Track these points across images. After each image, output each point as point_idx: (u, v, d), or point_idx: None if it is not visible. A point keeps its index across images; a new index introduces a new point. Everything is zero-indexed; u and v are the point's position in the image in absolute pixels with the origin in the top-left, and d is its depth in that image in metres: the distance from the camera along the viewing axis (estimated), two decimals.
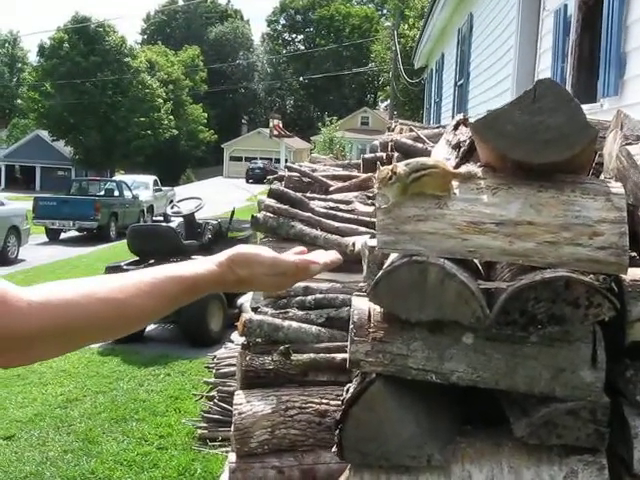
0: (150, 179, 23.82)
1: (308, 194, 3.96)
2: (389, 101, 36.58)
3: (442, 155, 1.88)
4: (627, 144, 1.69)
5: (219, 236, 8.57)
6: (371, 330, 1.48)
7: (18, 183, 44.55)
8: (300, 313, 2.94)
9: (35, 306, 0.84)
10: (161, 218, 10.07)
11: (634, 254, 1.52)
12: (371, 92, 68.44)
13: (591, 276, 1.37)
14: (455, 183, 1.48)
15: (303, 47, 70.17)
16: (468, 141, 1.76)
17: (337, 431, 1.51)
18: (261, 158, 49.57)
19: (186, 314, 6.74)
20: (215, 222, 8.87)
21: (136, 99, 42.45)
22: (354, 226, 3.53)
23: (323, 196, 4.00)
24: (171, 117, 45.99)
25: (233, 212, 9.16)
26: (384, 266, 1.51)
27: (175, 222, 8.86)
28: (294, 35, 73.47)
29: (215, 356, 5.27)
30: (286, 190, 3.82)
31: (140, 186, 22.10)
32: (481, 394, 1.51)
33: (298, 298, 3.04)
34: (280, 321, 2.85)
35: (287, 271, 1.04)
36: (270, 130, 34.54)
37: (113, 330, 0.97)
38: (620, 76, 4.52)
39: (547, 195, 1.44)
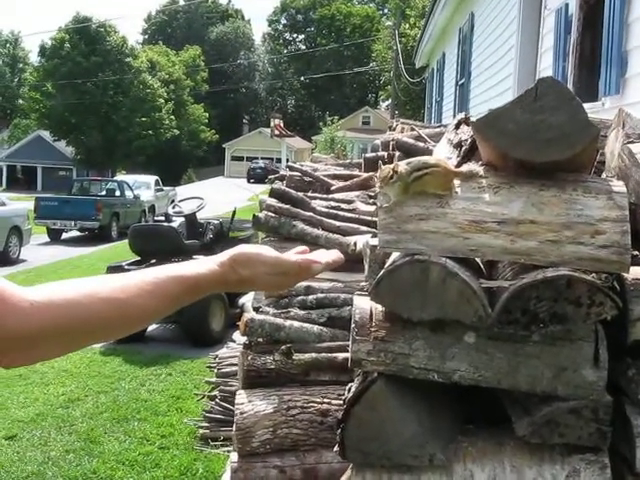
0: (151, 179, 23.82)
1: (309, 193, 3.97)
2: (390, 100, 36.56)
3: (444, 154, 1.88)
4: (629, 142, 1.68)
5: (220, 236, 8.58)
6: (373, 329, 1.48)
7: (20, 183, 44.58)
8: (302, 313, 2.94)
9: (37, 306, 0.84)
10: (162, 218, 10.05)
11: (636, 253, 1.52)
12: (372, 91, 68.45)
13: (593, 275, 1.37)
14: (457, 182, 1.48)
15: (304, 47, 70.16)
16: (469, 140, 1.76)
17: (339, 430, 1.51)
18: (262, 158, 49.56)
19: (188, 314, 6.74)
20: (217, 222, 8.87)
21: (137, 99, 42.47)
22: (355, 225, 3.53)
23: (324, 195, 4.00)
24: (172, 117, 46.01)
25: (234, 212, 9.16)
26: (386, 265, 1.51)
27: (176, 222, 8.86)
28: (295, 35, 73.47)
29: (217, 356, 5.27)
30: (287, 190, 3.82)
31: (141, 186, 22.10)
32: (483, 393, 1.51)
33: (300, 298, 3.04)
34: (282, 321, 2.85)
35: (289, 271, 1.03)
36: (271, 130, 34.55)
37: (115, 330, 0.97)
38: (621, 75, 4.51)
39: (549, 194, 1.44)
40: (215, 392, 4.89)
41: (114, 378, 6.36)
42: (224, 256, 1.01)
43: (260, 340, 2.82)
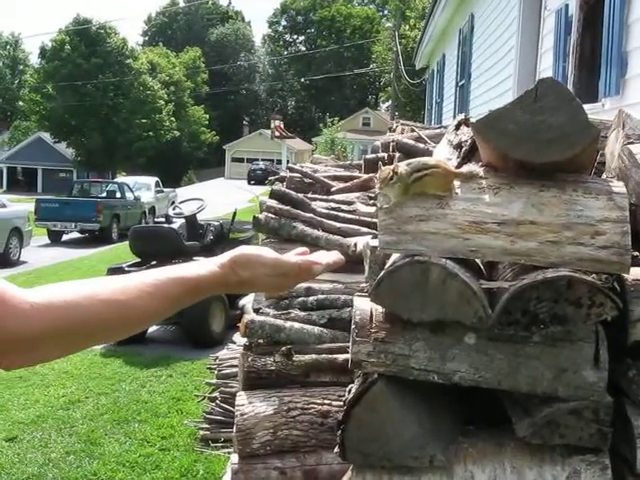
0: (152, 180, 23.83)
1: (310, 195, 3.97)
2: (390, 102, 36.60)
3: (444, 155, 1.88)
4: (629, 143, 1.68)
5: (221, 237, 8.58)
6: (373, 330, 1.48)
7: (20, 185, 44.60)
8: (302, 314, 2.94)
9: (37, 308, 0.85)
10: (163, 219, 10.05)
11: (636, 253, 1.52)
12: (372, 93, 68.49)
13: (593, 275, 1.37)
14: (457, 183, 1.48)
15: (304, 48, 70.19)
16: (469, 141, 1.76)
17: (339, 432, 1.51)
18: (263, 159, 49.56)
19: (188, 315, 6.74)
20: (217, 223, 8.87)
21: (137, 101, 42.50)
22: (356, 227, 3.53)
23: (325, 197, 4.00)
24: (172, 119, 46.05)
25: (235, 213, 9.16)
26: (386, 266, 1.51)
27: (177, 223, 8.86)
28: (295, 36, 73.52)
29: (217, 357, 5.27)
30: (288, 191, 3.83)
31: (142, 187, 22.10)
32: (483, 394, 1.51)
33: (300, 299, 3.04)
34: (282, 322, 2.85)
35: (289, 272, 1.03)
36: (272, 131, 34.59)
37: (115, 331, 0.97)
38: (621, 75, 4.51)
39: (549, 194, 1.44)
40: (215, 393, 4.89)
41: (114, 380, 6.36)
42: (224, 257, 1.01)
43: (260, 341, 2.82)
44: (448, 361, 1.44)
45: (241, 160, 54.24)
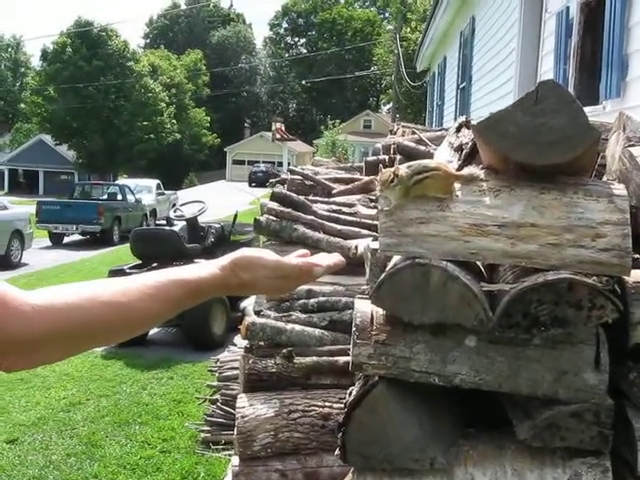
0: (153, 183, 23.85)
1: (311, 197, 3.97)
2: (391, 104, 36.61)
3: (444, 157, 1.88)
4: (630, 146, 1.69)
5: (222, 239, 8.58)
6: (374, 333, 1.48)
7: (21, 187, 44.63)
8: (303, 316, 2.94)
9: (38, 310, 0.85)
10: (164, 222, 10.10)
11: (637, 256, 1.52)
12: (373, 95, 68.52)
13: (594, 278, 1.37)
14: (457, 185, 1.48)
15: (305, 50, 70.27)
16: (470, 143, 1.76)
17: (340, 434, 1.51)
18: (264, 162, 49.57)
19: (189, 317, 6.74)
20: (218, 226, 8.88)
21: (139, 103, 42.51)
22: (357, 229, 3.53)
23: (326, 199, 4.00)
24: (174, 121, 46.06)
25: (236, 215, 9.17)
26: (386, 269, 1.51)
27: (178, 226, 8.88)
28: (296, 39, 73.59)
29: (218, 359, 5.27)
30: (289, 193, 3.83)
31: (143, 190, 22.12)
32: (484, 397, 1.51)
33: (301, 301, 3.04)
34: (283, 324, 2.85)
35: (290, 274, 1.04)
36: (273, 134, 34.61)
37: (116, 333, 0.97)
38: (622, 78, 4.51)
39: (550, 197, 1.44)
40: (216, 396, 4.88)
41: (115, 382, 6.36)
42: (225, 260, 1.01)
43: (261, 344, 2.82)
44: (449, 363, 1.44)
45: (242, 162, 54.27)
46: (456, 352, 1.44)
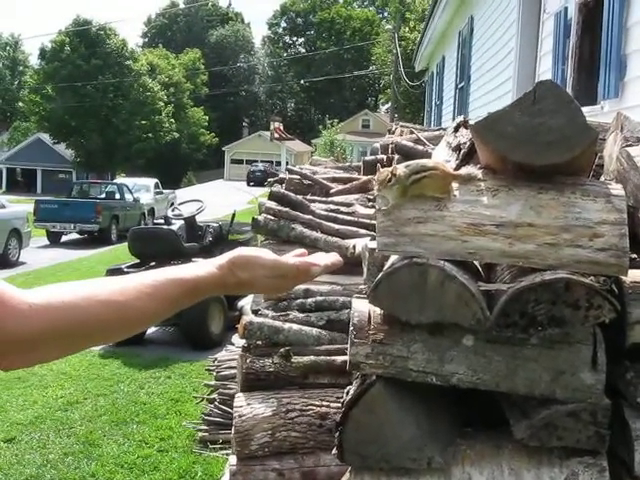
0: (151, 182, 23.82)
1: (309, 196, 3.97)
2: (390, 104, 36.62)
3: (442, 157, 1.88)
4: (627, 146, 1.69)
5: (220, 239, 8.58)
6: (371, 332, 1.48)
7: (19, 186, 44.57)
8: (300, 315, 2.94)
9: (36, 308, 0.85)
10: (162, 221, 10.07)
11: (634, 256, 1.52)
12: (372, 95, 68.52)
13: (591, 278, 1.37)
14: (455, 185, 1.48)
15: (304, 50, 70.27)
16: (468, 143, 1.76)
17: (337, 433, 1.51)
18: (262, 161, 49.58)
19: (187, 317, 6.74)
20: (216, 225, 8.88)
21: (137, 102, 42.48)
22: (354, 228, 3.53)
23: (324, 198, 4.00)
24: (172, 120, 46.02)
25: (234, 215, 9.17)
26: (384, 268, 1.51)
27: (176, 225, 8.87)
28: (295, 38, 73.59)
29: (216, 359, 5.27)
30: (287, 192, 3.83)
31: (141, 189, 22.10)
32: (481, 396, 1.51)
33: (299, 301, 3.04)
34: (280, 324, 2.85)
35: (288, 273, 1.03)
36: (271, 133, 34.55)
37: (114, 332, 0.97)
38: (620, 78, 4.52)
39: (547, 197, 1.44)
40: (214, 395, 4.88)
41: (113, 381, 6.35)
42: (223, 259, 1.01)
43: (259, 343, 2.82)
44: (446, 363, 1.45)
45: (240, 162, 54.27)
46: (453, 351, 1.44)
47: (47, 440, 4.99)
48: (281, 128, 35.25)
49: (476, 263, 1.54)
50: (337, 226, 3.55)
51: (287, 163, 32.89)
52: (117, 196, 19.67)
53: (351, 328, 1.50)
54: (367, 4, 73.08)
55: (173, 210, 9.43)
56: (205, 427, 4.79)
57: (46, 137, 44.85)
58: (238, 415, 2.54)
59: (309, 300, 3.03)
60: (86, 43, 41.90)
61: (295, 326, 2.86)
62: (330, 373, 2.70)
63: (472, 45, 10.72)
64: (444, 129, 4.15)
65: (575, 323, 1.38)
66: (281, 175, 4.72)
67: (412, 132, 4.46)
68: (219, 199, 23.29)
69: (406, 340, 1.46)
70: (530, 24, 7.10)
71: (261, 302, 3.10)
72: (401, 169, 1.47)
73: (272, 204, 3.66)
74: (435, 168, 1.48)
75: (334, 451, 1.54)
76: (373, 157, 4.46)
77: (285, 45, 73.69)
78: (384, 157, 3.98)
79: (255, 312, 3.03)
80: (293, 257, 1.06)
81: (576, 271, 1.38)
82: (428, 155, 2.97)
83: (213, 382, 5.01)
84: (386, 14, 62.48)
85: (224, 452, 4.41)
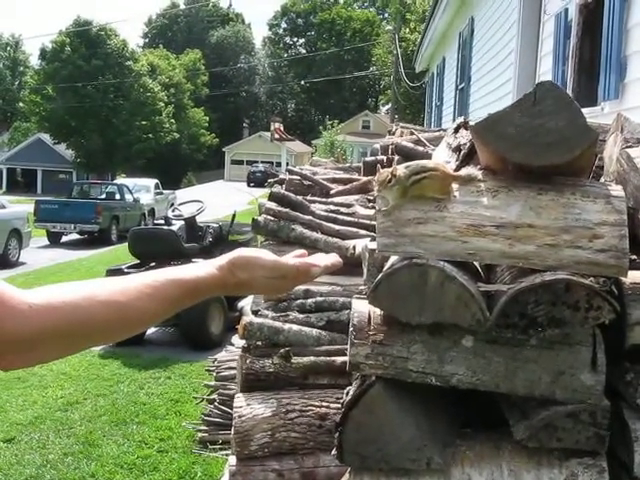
0: (151, 182, 23.83)
1: (309, 197, 3.97)
2: (390, 105, 36.62)
3: (442, 158, 1.88)
4: (627, 147, 1.69)
5: (220, 239, 8.58)
6: (371, 333, 1.48)
7: (19, 186, 44.55)
8: (300, 316, 2.94)
9: (36, 309, 0.85)
10: (162, 221, 10.07)
11: (634, 257, 1.52)
12: (372, 96, 68.53)
13: (591, 279, 1.37)
14: (455, 186, 1.48)
15: (304, 51, 70.28)
16: (468, 144, 1.76)
17: (337, 434, 1.51)
18: (262, 162, 49.53)
19: (187, 317, 6.74)
20: (216, 225, 8.88)
21: (137, 102, 42.48)
22: (354, 229, 3.53)
23: (324, 199, 4.00)
24: (172, 120, 46.02)
25: (234, 215, 9.17)
26: (384, 269, 1.51)
27: (176, 225, 8.87)
28: (295, 39, 73.59)
29: (215, 359, 5.27)
30: (287, 193, 3.83)
31: (141, 189, 22.10)
32: (481, 397, 1.51)
33: (298, 301, 3.04)
34: (280, 324, 2.85)
35: (287, 274, 1.04)
36: (271, 134, 34.53)
37: (114, 333, 0.97)
38: (621, 79, 4.52)
39: (547, 198, 1.44)
40: (214, 395, 4.88)
41: (113, 381, 6.35)
42: (223, 259, 1.01)
43: (259, 343, 2.82)
44: (446, 364, 1.45)
45: (240, 162, 54.26)
46: (453, 352, 1.44)
47: (47, 440, 4.99)
48: (281, 129, 35.22)
49: (476, 264, 1.54)
50: (337, 227, 3.55)
51: (287, 164, 32.89)
52: (117, 196, 19.68)
53: (351, 329, 1.50)
54: (367, 5, 73.10)
55: (173, 211, 9.43)
56: (205, 427, 4.79)
57: (46, 137, 44.85)
58: (238, 416, 2.54)
59: (309, 301, 3.03)
60: (86, 43, 41.90)
61: (295, 327, 2.86)
62: (330, 374, 2.69)
63: (472, 46, 10.73)
64: (444, 130, 4.15)
65: (575, 324, 1.38)
66: (281, 176, 4.72)
67: (412, 133, 4.46)
68: (219, 200, 23.30)
69: (406, 341, 1.46)
70: (530, 25, 7.10)
71: (261, 303, 3.10)
72: (401, 170, 1.47)
73: (272, 205, 3.66)
74: (435, 169, 1.48)
75: (334, 452, 1.54)
76: (373, 158, 4.46)
77: (285, 46, 73.70)
78: (384, 158, 3.98)
79: (255, 313, 3.03)
80: (293, 258, 1.06)
81: (576, 272, 1.38)
82: (428, 156, 2.97)
83: (213, 383, 5.01)
84: (386, 15, 62.49)
85: (224, 453, 4.40)
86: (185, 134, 49.95)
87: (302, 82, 63.32)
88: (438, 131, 4.75)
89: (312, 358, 2.72)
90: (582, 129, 1.45)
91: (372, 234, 2.93)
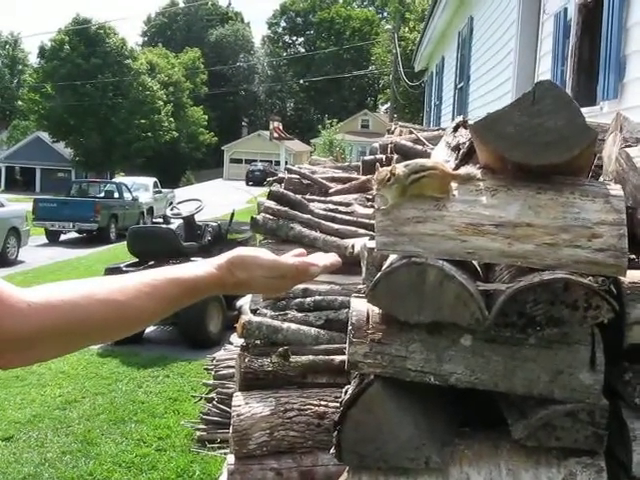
0: (150, 181, 23.83)
1: (308, 196, 3.97)
2: (389, 104, 36.60)
3: (441, 157, 1.88)
4: (626, 146, 1.69)
5: (219, 238, 8.58)
6: (369, 332, 1.48)
7: (18, 184, 44.53)
8: (299, 315, 2.94)
9: (35, 307, 0.85)
10: (161, 220, 10.07)
11: (633, 256, 1.52)
12: (371, 95, 68.49)
13: (590, 278, 1.37)
14: (454, 185, 1.48)
15: (303, 50, 70.25)
16: (467, 143, 1.76)
17: (335, 433, 1.51)
18: (261, 160, 49.53)
19: (185, 316, 6.74)
20: (215, 224, 8.87)
21: (136, 101, 42.46)
22: (353, 228, 3.53)
23: (322, 198, 4.00)
24: (171, 119, 46.00)
25: (233, 214, 9.17)
26: (383, 267, 1.51)
27: (175, 224, 8.87)
28: (294, 38, 73.56)
29: (214, 358, 5.27)
30: (286, 192, 3.83)
31: (140, 188, 22.10)
32: (479, 396, 1.51)
33: (297, 300, 3.04)
34: (279, 323, 2.85)
35: (286, 273, 1.03)
36: (270, 132, 34.58)
37: (112, 331, 0.97)
38: (620, 79, 4.52)
39: (546, 197, 1.44)
40: (212, 394, 4.88)
41: (111, 380, 6.35)
42: (222, 259, 1.01)
43: (257, 342, 2.82)
44: (444, 362, 1.45)
45: (239, 161, 54.24)
46: (452, 351, 1.44)
47: (45, 439, 4.98)
48: (280, 128, 35.26)
49: (475, 263, 1.54)
50: (336, 226, 3.55)
51: (286, 162, 32.91)
52: (116, 195, 19.67)
53: (349, 327, 1.50)
54: (367, 4, 73.07)
55: (172, 209, 9.42)
56: (203, 426, 4.79)
57: (45, 136, 44.82)
58: (236, 414, 2.54)
59: (308, 299, 3.03)
60: (86, 42, 41.88)
61: (294, 325, 2.86)
62: (328, 372, 2.70)
63: (472, 45, 10.73)
64: (443, 129, 4.15)
65: (573, 323, 1.38)
66: (280, 174, 4.72)
67: (411, 132, 4.46)
68: (218, 198, 23.27)
69: (404, 340, 1.46)
70: (530, 24, 7.10)
71: (260, 301, 3.10)
72: (400, 169, 1.47)
73: (271, 203, 3.66)
74: (434, 168, 1.48)
75: (332, 450, 1.54)
76: (372, 157, 4.46)
77: (285, 45, 73.67)
78: (383, 157, 3.98)
79: (254, 311, 3.03)
80: (292, 257, 1.06)
81: (575, 271, 1.38)
82: (427, 155, 2.97)
83: (211, 381, 5.00)
84: (386, 14, 62.46)
85: (222, 451, 4.40)
86: (184, 133, 49.93)
87: (301, 81, 63.30)
88: (437, 130, 4.75)
89: (311, 357, 2.72)
90: (581, 128, 1.45)
91: (371, 233, 2.93)
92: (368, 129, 50.61)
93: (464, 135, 1.84)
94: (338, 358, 2.64)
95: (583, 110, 1.50)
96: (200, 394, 5.35)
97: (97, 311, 0.89)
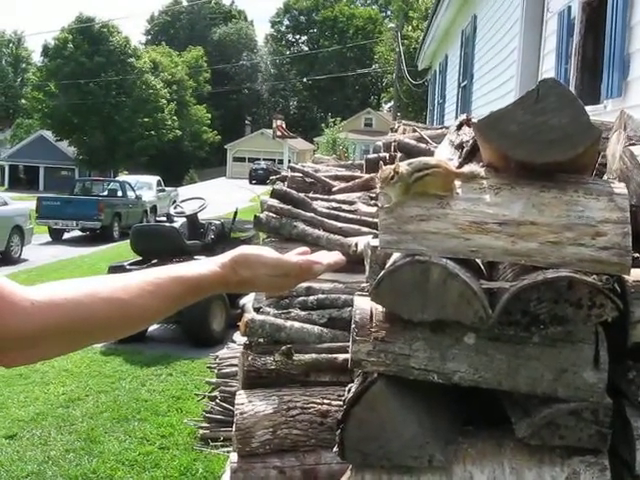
0: (153, 179, 23.84)
1: (311, 194, 3.96)
2: (392, 102, 36.55)
3: (445, 155, 1.88)
4: (630, 145, 1.69)
5: (222, 236, 8.58)
6: (373, 330, 1.48)
7: (22, 183, 44.58)
8: (302, 313, 2.94)
9: (38, 305, 0.85)
10: (164, 218, 10.10)
11: (637, 255, 1.52)
12: (375, 93, 68.46)
13: (594, 276, 1.37)
14: (458, 183, 1.48)
15: (307, 48, 70.21)
16: (471, 141, 1.76)
17: (338, 431, 1.51)
18: (264, 159, 49.54)
19: (188, 314, 6.74)
20: (218, 222, 8.88)
21: (140, 99, 42.49)
22: (357, 226, 3.53)
23: (326, 196, 4.00)
24: (175, 118, 46.02)
25: (236, 212, 9.17)
26: (386, 266, 1.51)
27: (178, 222, 8.87)
28: (298, 36, 73.53)
29: (217, 356, 5.27)
30: (289, 190, 3.82)
31: (143, 186, 22.11)
32: (483, 394, 1.51)
33: (300, 298, 3.04)
34: (282, 321, 2.85)
35: (290, 272, 1.03)
36: (273, 131, 34.58)
37: (116, 330, 0.97)
38: (624, 77, 4.51)
39: (550, 195, 1.44)
40: (215, 392, 4.89)
41: (115, 378, 6.36)
42: (225, 257, 1.01)
43: (260, 341, 2.82)
44: (448, 361, 1.44)
45: (243, 160, 54.24)
46: (455, 349, 1.44)
47: (48, 437, 4.99)
48: (283, 126, 35.26)
49: (478, 261, 1.54)
50: (339, 224, 3.54)
51: (289, 161, 32.91)
52: (119, 193, 19.70)
53: (353, 326, 1.50)
54: (370, 2, 73.06)
55: (175, 208, 9.44)
56: (206, 424, 4.79)
57: (49, 134, 44.88)
58: (239, 412, 2.54)
59: (311, 298, 3.03)
60: (89, 40, 41.90)
61: (297, 324, 2.86)
62: (332, 371, 2.69)
63: (475, 44, 10.71)
64: (447, 127, 4.15)
65: (577, 322, 1.37)
66: (283, 173, 4.72)
67: (415, 130, 4.45)
68: (221, 197, 23.28)
69: (408, 338, 1.46)
70: (533, 23, 7.09)
71: (263, 300, 3.10)
72: (404, 167, 1.46)
73: (274, 202, 3.66)
74: (438, 166, 1.48)
75: (335, 449, 1.54)
76: (376, 155, 4.45)
77: (288, 43, 73.64)
78: (387, 155, 3.98)
79: (257, 310, 3.04)
80: (295, 255, 1.06)
81: (579, 270, 1.37)
82: (431, 153, 2.96)
83: (214, 380, 5.01)
84: (389, 12, 62.35)
85: (225, 449, 4.41)
86: (187, 131, 49.96)
87: (304, 79, 63.29)
88: (440, 128, 4.75)
89: (314, 355, 2.72)
90: (585, 126, 1.44)
91: (374, 231, 2.92)
92: (371, 127, 50.57)
93: (467, 133, 1.84)
94: (341, 356, 2.64)
95: (587, 108, 1.50)
96: (203, 392, 5.36)
97: (100, 309, 0.89)
